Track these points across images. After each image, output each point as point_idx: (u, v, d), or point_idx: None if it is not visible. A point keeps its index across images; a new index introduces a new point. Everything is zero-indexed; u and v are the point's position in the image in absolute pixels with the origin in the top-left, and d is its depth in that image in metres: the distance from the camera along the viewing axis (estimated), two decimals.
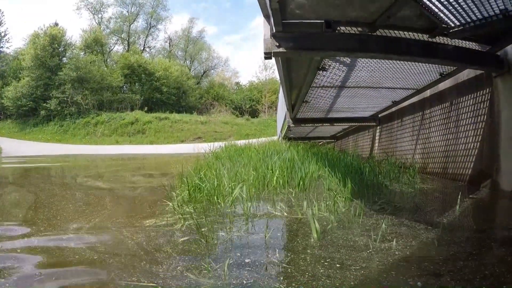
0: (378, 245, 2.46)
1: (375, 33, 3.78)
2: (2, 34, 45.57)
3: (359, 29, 3.74)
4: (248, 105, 45.66)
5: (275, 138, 18.31)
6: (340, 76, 5.16)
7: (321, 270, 2.08)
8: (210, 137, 32.94)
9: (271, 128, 34.34)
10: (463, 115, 5.36)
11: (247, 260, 2.26)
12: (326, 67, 4.71)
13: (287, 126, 9.92)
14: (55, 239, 2.85)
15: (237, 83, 53.64)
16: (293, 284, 1.90)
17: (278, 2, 2.90)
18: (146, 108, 39.37)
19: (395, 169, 5.73)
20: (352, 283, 1.92)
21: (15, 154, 22.47)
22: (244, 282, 1.94)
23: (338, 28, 3.66)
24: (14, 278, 2.04)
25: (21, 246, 2.68)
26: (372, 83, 5.72)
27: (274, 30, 3.48)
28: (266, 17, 3.75)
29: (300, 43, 3.59)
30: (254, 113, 44.14)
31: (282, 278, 2.01)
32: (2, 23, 45.70)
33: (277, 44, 3.50)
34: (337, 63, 4.70)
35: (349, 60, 4.61)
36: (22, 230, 3.18)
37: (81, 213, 3.91)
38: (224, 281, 1.96)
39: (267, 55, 3.59)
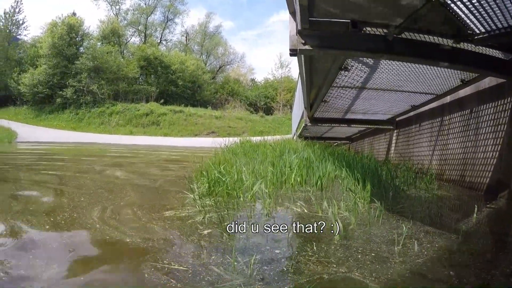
0: (400, 246, 2.48)
1: (400, 36, 3.77)
2: (21, 22, 46.13)
3: (385, 30, 3.72)
4: (262, 102, 45.34)
5: (289, 136, 18.29)
6: (361, 77, 5.15)
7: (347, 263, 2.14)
8: (224, 132, 32.86)
9: (285, 126, 34.19)
10: (483, 123, 5.29)
11: (277, 251, 2.36)
12: (349, 67, 4.70)
13: (303, 125, 9.90)
14: None
15: (252, 80, 53.33)
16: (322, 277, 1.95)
17: None
18: (162, 101, 39.51)
19: (412, 174, 5.71)
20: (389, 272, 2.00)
21: (30, 140, 22.96)
22: (273, 275, 2.00)
23: (364, 29, 3.66)
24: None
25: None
26: (393, 86, 5.69)
27: (300, 27, 3.47)
28: (292, 14, 3.75)
29: (325, 41, 3.59)
30: (268, 111, 43.88)
31: (309, 268, 2.07)
32: (20, 11, 46.33)
33: (303, 42, 3.51)
34: (360, 64, 4.69)
35: (372, 61, 4.59)
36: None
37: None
38: (249, 277, 2.00)
39: (293, 52, 3.60)
